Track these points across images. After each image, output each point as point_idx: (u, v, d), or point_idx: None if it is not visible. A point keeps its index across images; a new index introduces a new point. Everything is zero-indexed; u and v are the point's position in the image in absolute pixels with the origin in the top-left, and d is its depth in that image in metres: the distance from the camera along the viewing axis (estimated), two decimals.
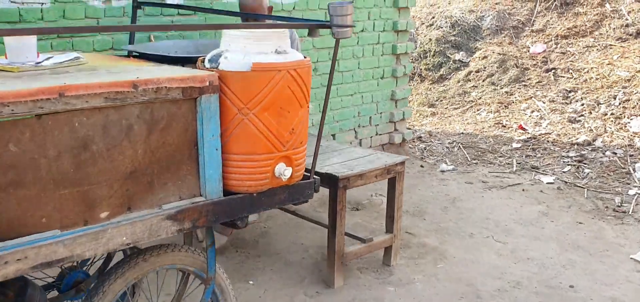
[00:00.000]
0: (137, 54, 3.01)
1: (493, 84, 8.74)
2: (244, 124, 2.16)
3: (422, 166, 6.50)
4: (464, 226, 4.90)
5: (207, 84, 2.10)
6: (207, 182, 2.16)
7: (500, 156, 6.83)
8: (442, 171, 6.37)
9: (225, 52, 2.22)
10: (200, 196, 2.19)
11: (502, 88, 8.66)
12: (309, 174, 2.56)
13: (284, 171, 2.29)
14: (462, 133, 7.70)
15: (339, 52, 5.91)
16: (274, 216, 4.91)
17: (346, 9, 2.35)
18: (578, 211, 5.28)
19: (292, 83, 2.24)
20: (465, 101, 8.63)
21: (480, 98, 8.59)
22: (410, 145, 7.08)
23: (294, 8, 5.51)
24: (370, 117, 6.44)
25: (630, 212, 5.23)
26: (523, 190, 5.79)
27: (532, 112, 8.02)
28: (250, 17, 4.08)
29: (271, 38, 2.23)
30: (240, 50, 2.19)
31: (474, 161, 6.70)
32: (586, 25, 9.21)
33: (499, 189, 5.80)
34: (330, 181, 3.72)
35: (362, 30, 6.15)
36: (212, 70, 2.18)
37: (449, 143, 7.30)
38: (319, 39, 5.80)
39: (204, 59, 2.29)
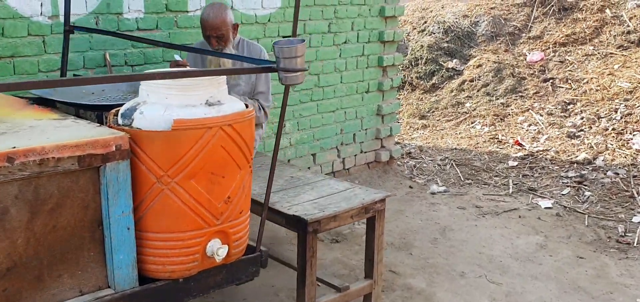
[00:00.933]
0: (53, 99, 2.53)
1: (488, 94, 8.29)
2: (165, 195, 1.70)
3: (410, 187, 6.04)
4: (454, 262, 4.44)
5: (113, 149, 1.64)
6: (116, 270, 1.70)
7: (496, 175, 6.37)
8: (433, 193, 5.91)
9: (141, 104, 1.76)
10: (108, 287, 1.72)
11: (497, 99, 8.21)
12: (254, 246, 2.10)
13: (217, 250, 1.83)
14: (456, 148, 7.24)
15: (319, 65, 5.44)
16: None
17: (296, 49, 1.89)
18: (578, 243, 4.83)
19: (228, 142, 1.77)
20: (459, 113, 8.18)
21: (474, 109, 8.14)
22: (399, 163, 6.62)
23: (269, 20, 5.04)
24: (354, 134, 5.98)
25: (635, 244, 4.78)
26: (519, 217, 5.34)
27: (529, 125, 7.57)
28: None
29: (200, 87, 1.77)
30: (161, 102, 1.73)
31: (468, 181, 6.24)
32: (585, 32, 8.76)
33: (493, 216, 5.35)
34: (299, 224, 3.26)
35: (345, 42, 5.68)
36: (124, 129, 1.71)
37: (441, 160, 6.84)
38: None
39: (118, 111, 1.83)
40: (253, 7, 4.92)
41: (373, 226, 3.60)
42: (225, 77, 1.90)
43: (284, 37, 5.19)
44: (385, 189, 5.93)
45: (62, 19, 3.96)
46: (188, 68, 3.76)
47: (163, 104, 1.71)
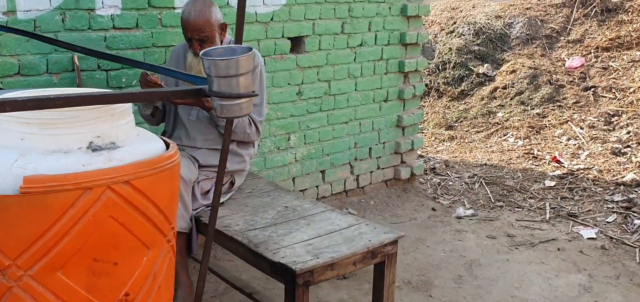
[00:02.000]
0: None
1: (523, 103, 7.53)
2: (14, 298, 1.05)
3: (433, 210, 5.34)
4: None
5: None
6: None
7: (531, 197, 5.64)
8: (459, 218, 5.20)
9: None
10: None
11: (533, 109, 7.44)
12: None
13: None
14: (486, 164, 6.51)
15: (330, 71, 4.78)
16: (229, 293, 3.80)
17: (236, 64, 1.23)
18: (629, 285, 4.09)
19: (123, 209, 1.12)
20: (490, 123, 7.44)
21: (507, 120, 7.39)
22: (421, 180, 5.93)
23: (271, 19, 4.40)
24: (370, 149, 5.31)
25: None
26: (558, 249, 4.61)
27: (569, 139, 6.80)
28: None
29: (80, 121, 1.12)
30: (13, 145, 1.08)
31: (499, 203, 5.52)
32: (632, 35, 7.93)
33: (528, 248, 4.63)
34: (286, 275, 2.61)
35: (361, 44, 5.01)
36: None
37: (468, 177, 6.12)
38: (305, 57, 4.68)
39: None
40: (253, 3, 4.28)
41: (382, 273, 2.93)
42: (127, 105, 1.25)
43: (289, 38, 4.55)
44: (404, 211, 5.25)
45: (20, 15, 3.36)
46: (163, 88, 3.14)
47: (16, 149, 1.07)
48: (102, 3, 3.62)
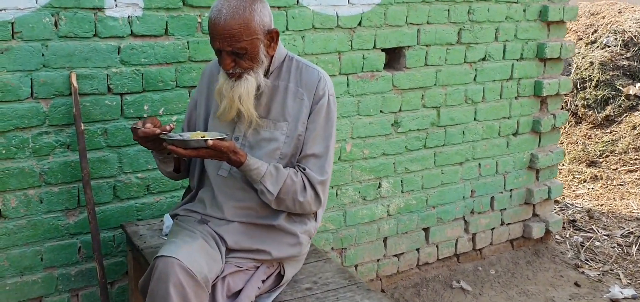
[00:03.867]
0: None
1: None
2: None
3: (577, 285, 3.91)
4: None
5: None
6: None
7: None
8: (614, 301, 3.75)
9: None
10: None
11: None
12: None
13: None
14: None
15: (441, 94, 3.54)
16: None
17: None
18: None
19: None
20: None
21: None
22: (558, 238, 4.49)
23: (359, 23, 3.19)
24: (492, 198, 3.97)
25: None
26: None
27: None
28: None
29: None
30: None
31: None
32: None
33: None
34: None
35: (484, 58, 3.69)
36: None
37: (622, 236, 4.61)
38: (405, 75, 3.43)
39: None
40: (334, 2, 3.09)
41: None
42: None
43: (384, 50, 3.32)
44: (537, 285, 3.86)
45: None
46: (172, 135, 2.01)
47: None
48: (115, 0, 2.55)
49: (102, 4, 2.52)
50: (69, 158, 2.57)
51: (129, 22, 2.59)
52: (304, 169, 2.13)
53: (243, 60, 2.05)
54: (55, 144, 2.53)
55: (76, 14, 2.48)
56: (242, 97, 2.05)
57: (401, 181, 3.55)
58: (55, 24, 2.45)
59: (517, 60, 3.86)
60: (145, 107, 2.70)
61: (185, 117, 2.36)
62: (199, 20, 2.75)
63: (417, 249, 3.72)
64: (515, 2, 3.73)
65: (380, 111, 3.37)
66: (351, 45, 3.19)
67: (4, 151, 2.44)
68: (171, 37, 2.70)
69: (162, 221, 2.72)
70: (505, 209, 4.05)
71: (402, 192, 3.56)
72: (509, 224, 4.11)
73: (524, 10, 3.79)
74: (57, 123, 2.52)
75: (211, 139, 1.94)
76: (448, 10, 3.47)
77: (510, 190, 4.05)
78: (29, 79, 2.44)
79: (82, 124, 2.50)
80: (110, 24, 2.55)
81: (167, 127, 2.03)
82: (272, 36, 2.11)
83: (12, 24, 2.37)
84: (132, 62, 2.63)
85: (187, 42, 2.74)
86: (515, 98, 3.92)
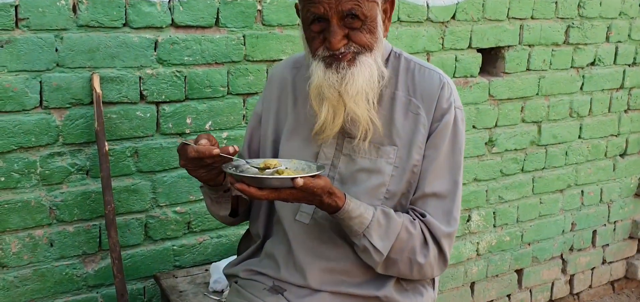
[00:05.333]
0: None
1: None
2: None
3: None
4: None
5: None
6: None
7: None
8: None
9: None
10: None
11: None
12: None
13: None
14: None
15: (542, 105, 2.86)
16: None
17: None
18: None
19: None
20: None
21: None
22: None
23: (453, 16, 2.52)
24: (594, 232, 3.29)
25: None
26: None
27: None
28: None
29: None
30: None
31: None
32: None
33: None
34: None
35: (593, 63, 3.01)
36: None
37: None
38: (504, 82, 2.77)
39: None
40: None
41: None
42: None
43: (480, 50, 2.66)
44: None
45: None
46: (238, 163, 1.38)
47: None
48: None
49: None
50: (89, 187, 1.93)
51: (170, 9, 1.96)
52: (424, 216, 1.47)
53: (361, 33, 1.39)
54: (71, 168, 1.90)
55: None
56: (360, 92, 1.40)
57: (493, 213, 2.88)
58: (74, 9, 1.82)
59: (629, 65, 3.17)
60: (188, 121, 2.06)
61: (245, 138, 1.70)
62: (259, 7, 2.11)
63: (508, 296, 3.05)
64: None
65: (473, 127, 2.71)
66: (443, 44, 2.53)
67: (2, 179, 1.82)
68: (223, 28, 2.06)
69: (207, 270, 2.08)
70: (607, 244, 3.37)
71: (494, 226, 2.90)
72: (611, 262, 3.42)
73: None
74: (73, 141, 1.89)
75: (302, 177, 1.30)
76: (556, 3, 2.80)
77: (614, 222, 3.37)
78: (37, 82, 1.81)
79: (106, 143, 1.87)
80: (145, 10, 1.92)
81: (230, 150, 1.39)
82: (390, 6, 1.47)
83: (16, 7, 1.75)
84: (172, 61, 1.99)
85: (243, 36, 2.10)
86: (625, 111, 3.23)
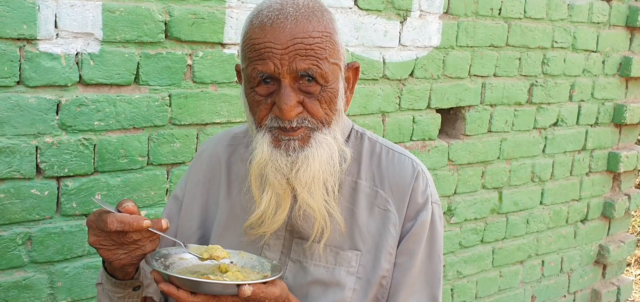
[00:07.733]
0: None
1: None
2: None
3: None
4: None
5: None
6: None
7: None
8: None
9: None
10: None
11: None
12: None
13: None
14: None
15: (503, 170, 2.61)
16: None
17: None
18: None
19: None
20: None
21: None
22: None
23: (411, 73, 2.25)
24: None
25: None
26: None
27: None
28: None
29: None
30: None
31: None
32: None
33: None
34: None
35: (556, 123, 2.79)
36: None
37: None
38: (464, 145, 2.51)
39: None
40: (379, 43, 2.14)
41: None
42: None
43: (439, 111, 2.38)
44: None
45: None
46: (170, 253, 1.06)
47: None
48: (56, 27, 1.54)
49: (34, 33, 1.51)
50: None
51: (78, 64, 1.58)
52: None
53: (318, 101, 1.09)
54: None
55: None
56: (316, 179, 1.08)
57: (451, 290, 2.59)
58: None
59: (592, 125, 2.98)
60: (97, 197, 1.67)
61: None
62: (190, 61, 1.76)
63: None
64: (594, 51, 2.86)
65: None
66: (399, 103, 2.24)
67: None
68: (144, 87, 1.70)
69: None
70: None
71: (452, 300, 2.61)
72: None
73: (603, 62, 2.92)
74: None
75: (250, 283, 0.97)
76: (519, 59, 2.56)
77: (574, 292, 3.15)
78: (33, 145, 1.41)
79: None
80: (45, 65, 1.54)
81: (162, 224, 1.04)
82: (354, 76, 1.17)
83: None
84: (78, 126, 1.61)
85: (169, 96, 1.74)
86: (587, 174, 3.03)
